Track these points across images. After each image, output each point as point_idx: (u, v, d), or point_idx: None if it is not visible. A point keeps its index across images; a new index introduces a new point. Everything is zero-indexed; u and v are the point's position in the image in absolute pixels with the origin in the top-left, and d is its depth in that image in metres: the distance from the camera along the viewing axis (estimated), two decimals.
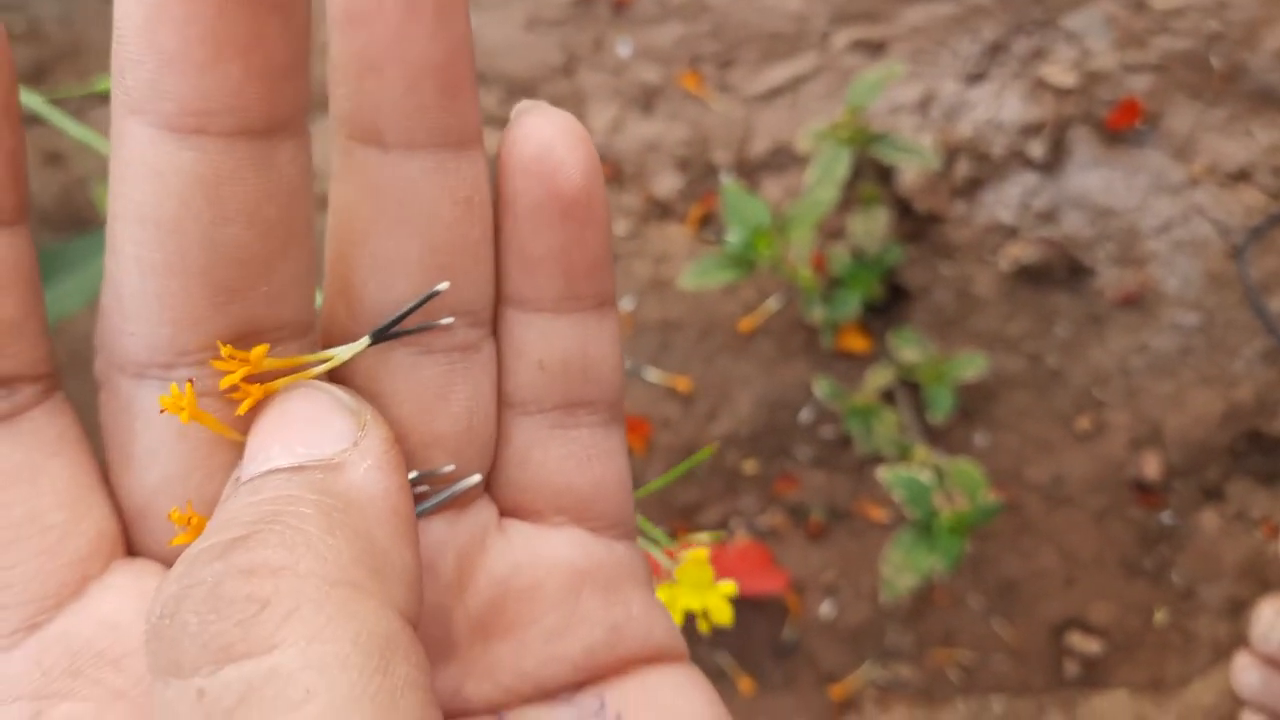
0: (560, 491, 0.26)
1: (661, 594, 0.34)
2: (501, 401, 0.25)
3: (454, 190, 0.23)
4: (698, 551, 0.36)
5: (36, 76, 1.24)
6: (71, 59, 1.24)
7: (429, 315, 0.23)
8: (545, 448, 0.26)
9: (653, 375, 1.05)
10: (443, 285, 0.23)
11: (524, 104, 0.24)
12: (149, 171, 0.20)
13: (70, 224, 1.17)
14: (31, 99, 0.46)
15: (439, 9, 0.21)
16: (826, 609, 0.99)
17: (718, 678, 0.99)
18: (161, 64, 0.20)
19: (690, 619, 0.36)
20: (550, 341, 0.25)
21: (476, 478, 0.25)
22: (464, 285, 0.23)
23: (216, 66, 0.19)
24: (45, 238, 1.18)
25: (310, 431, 0.21)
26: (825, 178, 0.95)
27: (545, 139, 0.23)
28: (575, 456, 0.26)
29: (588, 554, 0.26)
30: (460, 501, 0.25)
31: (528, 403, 0.25)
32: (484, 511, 0.26)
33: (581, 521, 0.26)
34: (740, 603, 1.00)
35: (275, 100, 0.21)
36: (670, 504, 1.02)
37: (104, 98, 0.24)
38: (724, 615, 0.35)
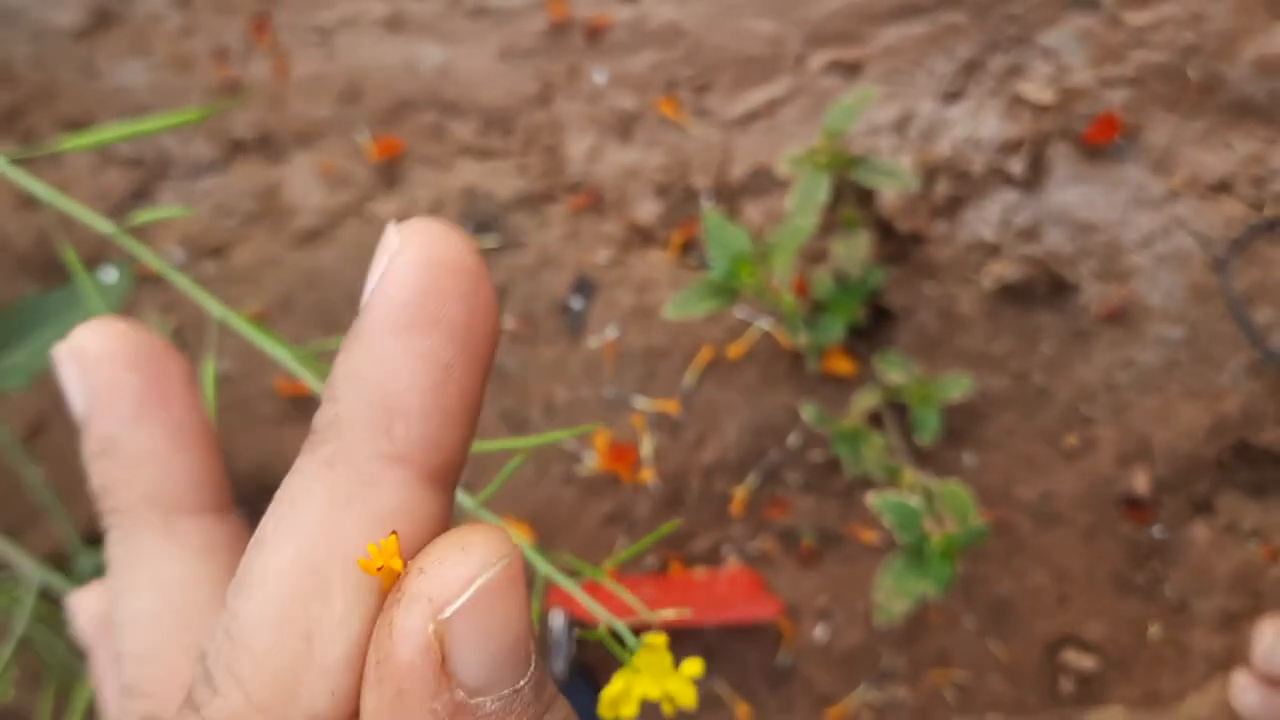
0: None
1: (618, 682, 0.34)
2: None
3: None
4: (656, 637, 0.36)
5: (10, 119, 1.24)
6: (44, 100, 1.24)
7: None
8: None
9: (640, 403, 1.04)
10: None
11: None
12: (402, 519, 0.23)
13: (46, 269, 1.16)
14: None
15: None
16: (820, 633, 0.99)
17: (714, 705, 0.99)
18: (444, 421, 0.24)
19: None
20: None
21: None
22: None
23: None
24: (23, 283, 1.17)
25: None
26: (805, 204, 0.95)
27: None
28: None
29: None
30: None
31: None
32: None
33: None
34: (734, 630, 1.00)
35: None
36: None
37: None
38: (688, 698, 0.35)
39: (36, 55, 1.25)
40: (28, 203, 1.19)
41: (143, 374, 0.29)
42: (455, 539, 0.22)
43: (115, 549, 0.29)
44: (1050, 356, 1.00)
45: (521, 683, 0.22)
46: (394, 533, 0.23)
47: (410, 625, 0.21)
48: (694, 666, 0.38)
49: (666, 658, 0.36)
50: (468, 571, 0.21)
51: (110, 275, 0.73)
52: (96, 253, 1.13)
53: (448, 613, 0.21)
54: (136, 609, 0.27)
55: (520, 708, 0.22)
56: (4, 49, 1.25)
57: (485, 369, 0.24)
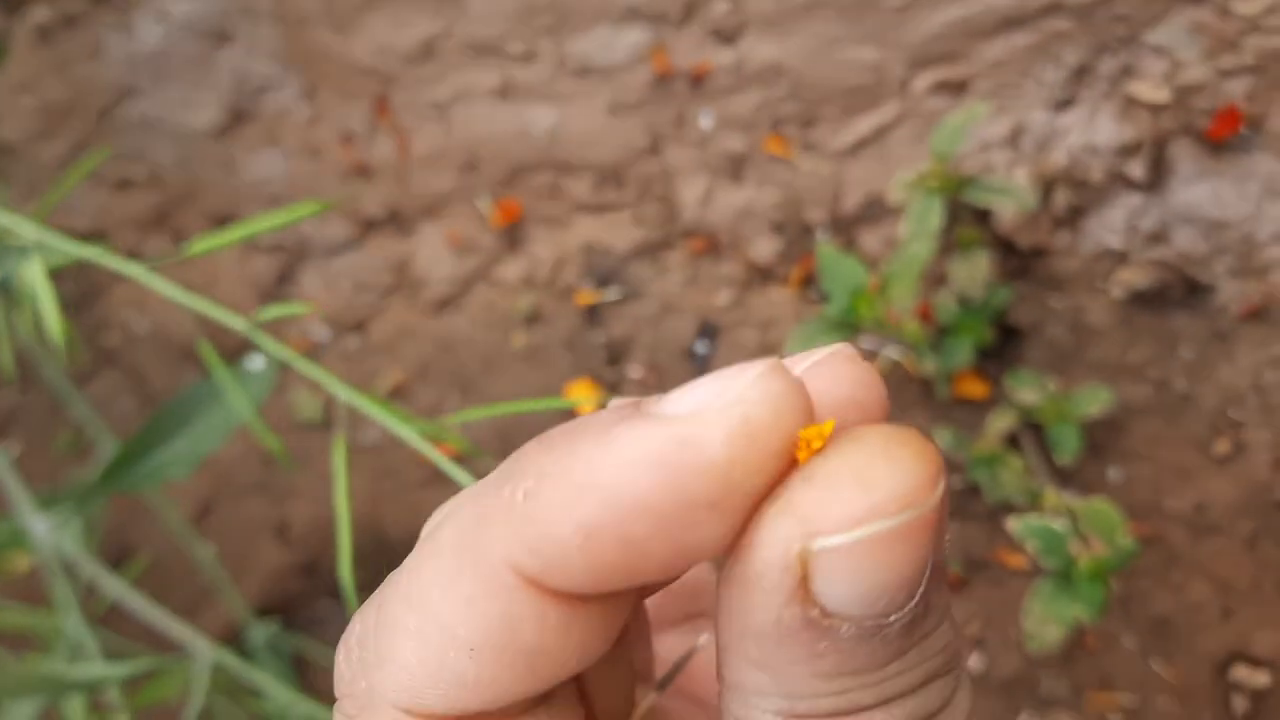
0: None
1: None
2: None
3: None
4: None
5: (161, 219, 1.32)
6: (190, 199, 1.32)
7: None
8: None
9: None
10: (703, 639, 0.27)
11: None
12: None
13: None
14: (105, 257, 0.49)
15: None
16: (975, 662, 0.97)
17: None
18: None
19: None
20: None
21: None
22: None
23: None
24: (185, 372, 1.25)
25: None
26: (919, 230, 0.94)
27: None
28: None
29: None
30: None
31: None
32: None
33: None
34: None
35: None
36: None
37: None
38: None
39: (180, 157, 1.34)
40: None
41: None
42: (864, 460, 0.19)
43: None
44: (1191, 361, 0.97)
45: (892, 618, 0.19)
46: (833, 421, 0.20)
47: (775, 535, 0.19)
48: None
49: None
50: (854, 512, 0.18)
51: (257, 363, 0.77)
52: (247, 340, 1.20)
53: (817, 546, 0.18)
54: None
55: (880, 643, 0.19)
56: (151, 154, 1.34)
57: None
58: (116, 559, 1.18)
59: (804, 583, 0.19)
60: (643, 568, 0.19)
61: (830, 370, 0.21)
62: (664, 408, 0.20)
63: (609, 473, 0.19)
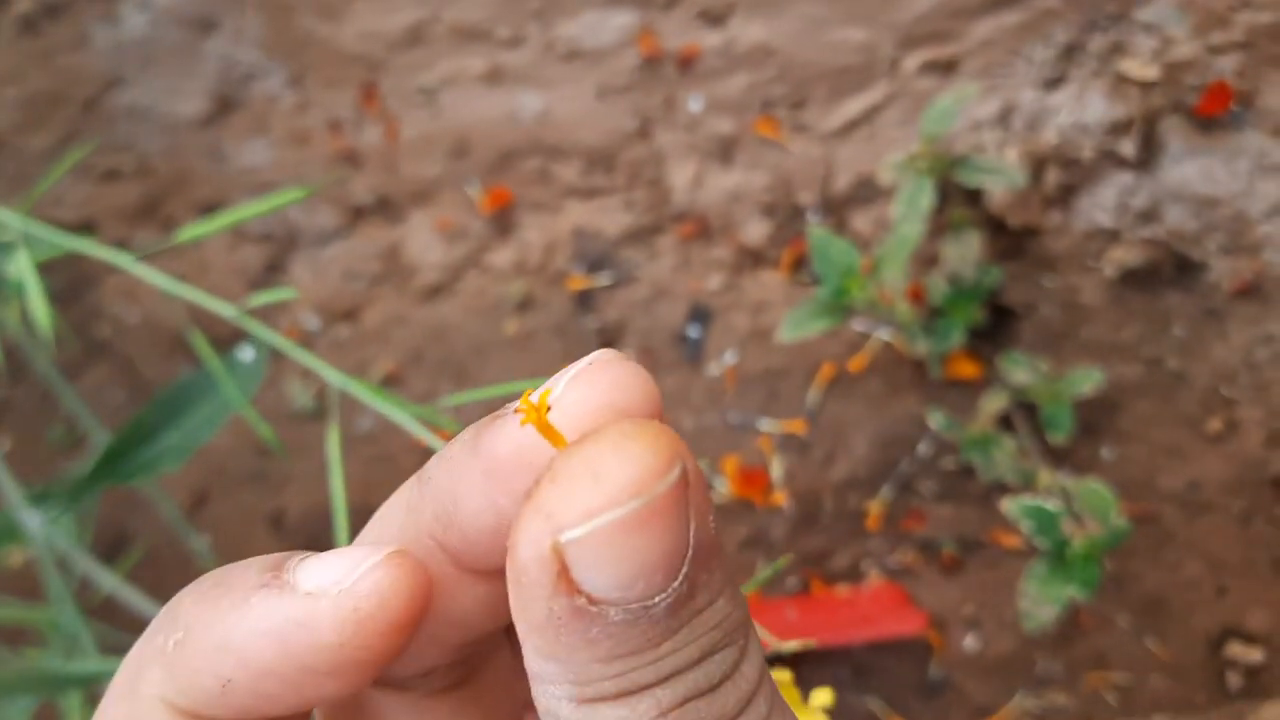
0: None
1: None
2: None
3: None
4: (782, 673, 0.36)
5: (151, 208, 1.32)
6: (179, 187, 1.31)
7: None
8: None
9: (766, 425, 1.05)
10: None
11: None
12: None
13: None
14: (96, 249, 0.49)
15: None
16: (971, 642, 0.97)
17: None
18: None
19: None
20: None
21: None
22: None
23: None
24: (176, 362, 1.24)
25: None
26: (910, 212, 0.94)
27: None
28: None
29: None
30: None
31: None
32: None
33: None
34: (883, 645, 0.99)
35: None
36: (800, 552, 1.01)
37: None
38: None
39: (168, 146, 1.33)
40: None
41: None
42: (596, 454, 0.20)
43: None
44: (1183, 339, 0.96)
45: (656, 599, 0.20)
46: (529, 392, 0.22)
47: (528, 534, 0.20)
48: (824, 696, 0.39)
49: (794, 693, 0.36)
50: (591, 504, 0.19)
51: (248, 353, 0.77)
52: (238, 330, 1.19)
53: (564, 538, 0.19)
54: None
55: (647, 624, 0.20)
56: (138, 144, 1.33)
57: None
58: (111, 549, 1.18)
59: (565, 574, 0.20)
60: (277, 709, 0.23)
61: (589, 379, 0.23)
62: (299, 578, 0.23)
63: (240, 639, 0.22)
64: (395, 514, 0.25)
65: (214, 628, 0.23)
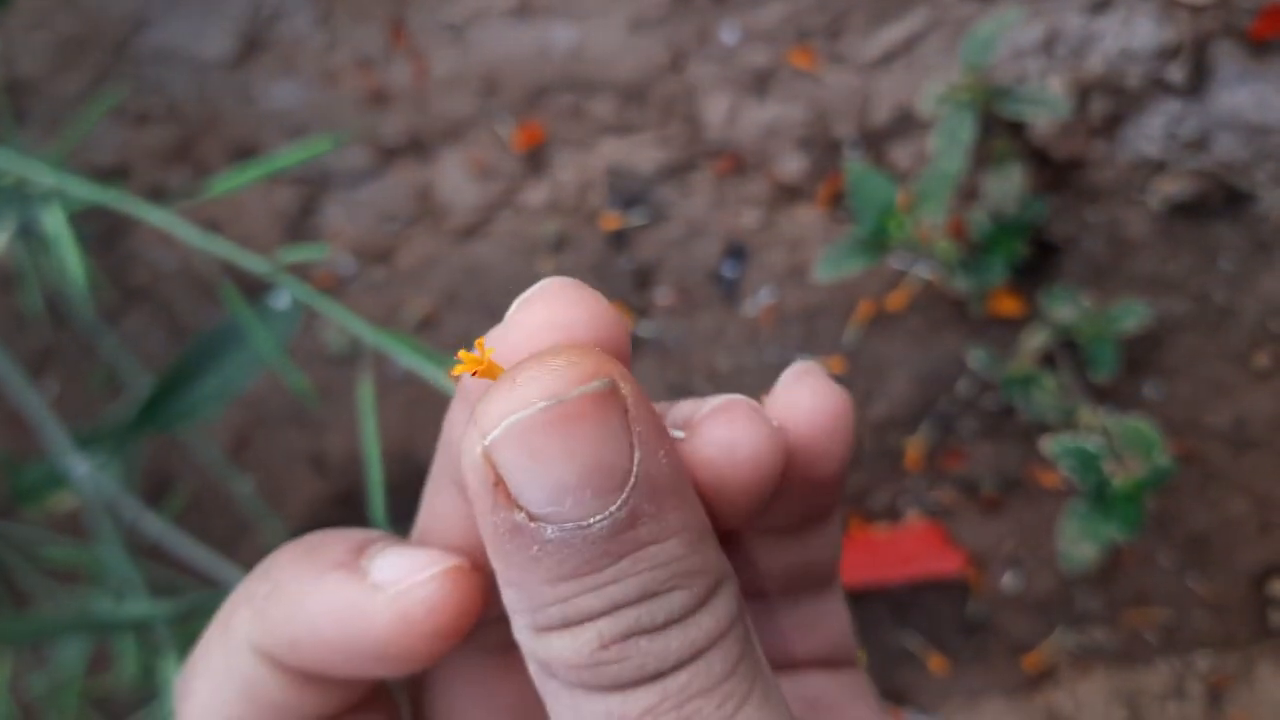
0: (794, 655, 0.30)
1: None
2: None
3: None
4: None
5: (182, 153, 1.31)
6: (210, 131, 1.31)
7: None
8: (774, 621, 0.30)
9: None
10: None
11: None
12: None
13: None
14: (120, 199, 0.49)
15: None
16: (1010, 581, 0.97)
17: (906, 660, 0.99)
18: None
19: None
20: (776, 557, 0.29)
21: None
22: None
23: None
24: (210, 309, 1.25)
25: None
26: (950, 146, 0.92)
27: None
28: (800, 627, 0.30)
29: (820, 688, 0.30)
30: None
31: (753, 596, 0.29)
32: None
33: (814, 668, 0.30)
34: (922, 584, 0.99)
35: None
36: None
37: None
38: None
39: (197, 89, 1.32)
40: (207, 231, 1.27)
41: None
42: (517, 369, 0.21)
43: None
44: (1231, 273, 0.94)
45: (592, 520, 0.21)
46: (481, 340, 0.23)
47: (466, 444, 0.21)
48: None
49: None
50: (506, 407, 0.20)
51: (283, 299, 0.77)
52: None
53: (486, 441, 0.21)
54: None
55: (584, 544, 0.21)
56: (168, 87, 1.33)
57: None
58: (155, 493, 1.20)
59: (502, 486, 0.21)
60: (340, 674, 0.26)
61: (535, 305, 0.23)
62: (372, 565, 0.25)
63: (309, 610, 0.25)
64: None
65: (293, 593, 0.25)
